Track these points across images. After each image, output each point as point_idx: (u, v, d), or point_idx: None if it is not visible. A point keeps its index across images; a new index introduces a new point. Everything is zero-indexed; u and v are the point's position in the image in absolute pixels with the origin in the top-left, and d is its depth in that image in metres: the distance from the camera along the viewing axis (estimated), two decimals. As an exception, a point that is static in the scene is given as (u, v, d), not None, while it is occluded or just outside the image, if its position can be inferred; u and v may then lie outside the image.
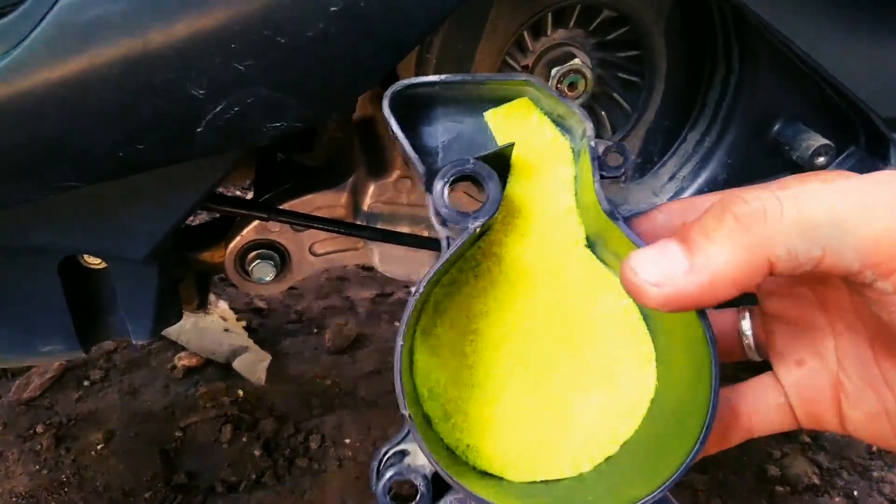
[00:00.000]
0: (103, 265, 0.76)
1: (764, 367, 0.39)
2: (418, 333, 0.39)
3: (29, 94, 0.49)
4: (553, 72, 0.71)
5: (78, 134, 0.52)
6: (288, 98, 0.52)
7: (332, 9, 0.48)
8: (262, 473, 1.22)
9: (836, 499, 1.26)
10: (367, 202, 0.85)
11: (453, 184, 0.35)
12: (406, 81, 0.37)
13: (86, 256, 0.75)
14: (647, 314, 0.38)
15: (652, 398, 0.38)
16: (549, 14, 0.71)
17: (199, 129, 0.53)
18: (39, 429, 1.29)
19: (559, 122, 0.39)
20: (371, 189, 0.84)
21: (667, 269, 0.30)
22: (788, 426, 0.37)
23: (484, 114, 0.40)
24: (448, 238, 0.36)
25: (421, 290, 0.34)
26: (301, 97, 0.53)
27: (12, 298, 0.76)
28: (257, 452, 1.26)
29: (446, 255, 0.35)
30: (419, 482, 0.33)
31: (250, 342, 1.52)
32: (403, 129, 0.37)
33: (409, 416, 0.33)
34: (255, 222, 0.86)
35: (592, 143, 0.36)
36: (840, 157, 0.74)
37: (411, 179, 0.82)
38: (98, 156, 0.53)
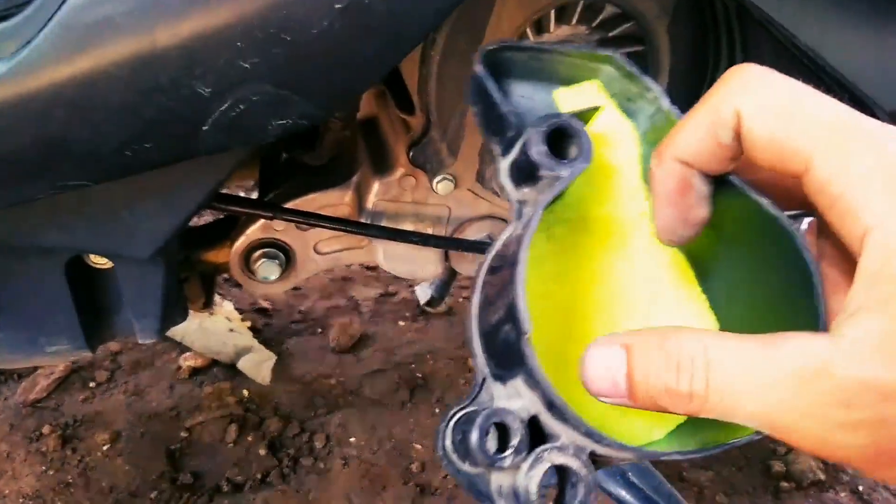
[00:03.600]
0: (109, 265, 0.76)
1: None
2: None
3: (36, 94, 0.50)
4: (556, 69, 0.71)
5: (84, 133, 0.52)
6: (293, 95, 0.53)
7: (337, 6, 0.48)
8: (267, 473, 1.23)
9: (842, 494, 1.26)
10: (371, 200, 0.85)
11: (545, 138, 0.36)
12: (500, 41, 0.39)
13: (92, 256, 0.75)
14: (710, 287, 0.40)
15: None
16: (552, 11, 0.71)
17: (205, 128, 0.53)
18: (46, 430, 1.29)
19: (627, 105, 0.41)
20: (375, 187, 0.84)
21: (608, 386, 0.32)
22: None
23: (553, 92, 0.41)
24: (520, 202, 0.37)
25: (535, 222, 0.34)
26: (306, 94, 0.53)
27: (19, 299, 0.76)
28: (262, 452, 1.26)
29: (546, 200, 0.35)
30: (517, 425, 0.31)
31: (255, 342, 1.52)
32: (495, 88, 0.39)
33: (529, 337, 0.32)
34: (260, 221, 0.86)
35: (675, 111, 0.38)
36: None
37: (415, 177, 0.82)
38: (104, 154, 0.54)
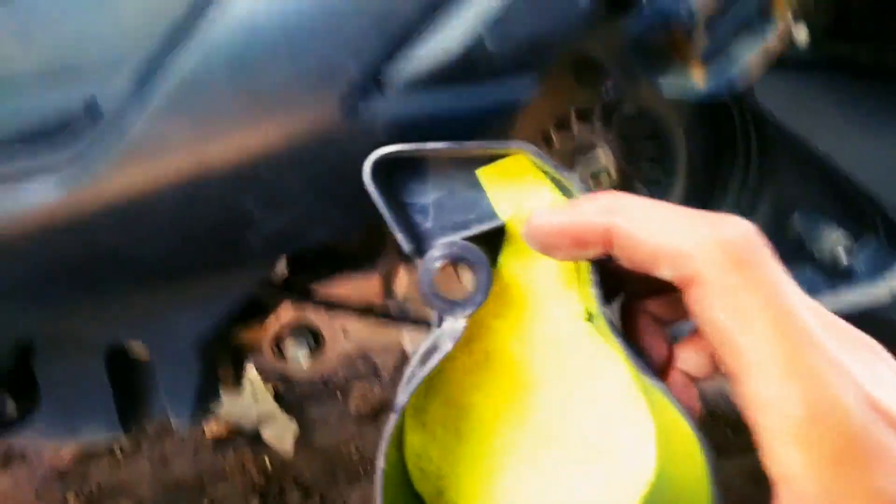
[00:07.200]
0: (148, 353, 0.79)
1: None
2: (408, 412, 0.38)
3: (95, 211, 0.53)
4: (577, 166, 0.74)
5: (136, 245, 0.55)
6: (337, 211, 0.56)
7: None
8: (289, 545, 1.23)
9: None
10: (398, 285, 0.88)
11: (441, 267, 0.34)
12: (388, 149, 0.35)
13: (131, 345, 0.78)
14: (648, 390, 0.36)
15: (653, 475, 0.36)
16: (573, 111, 0.74)
17: (250, 240, 0.56)
18: (71, 498, 1.30)
19: (559, 184, 0.37)
20: (402, 273, 0.87)
21: None
22: None
23: (476, 171, 0.37)
24: (440, 315, 0.34)
25: (404, 402, 0.32)
26: (350, 210, 0.56)
27: (58, 386, 0.78)
28: (284, 524, 1.27)
29: (433, 361, 0.32)
30: None
31: (277, 410, 1.54)
32: (387, 198, 0.35)
33: None
34: (291, 305, 0.89)
35: None
36: (859, 247, 0.76)
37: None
38: (152, 263, 0.57)
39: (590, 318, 0.37)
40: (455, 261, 0.33)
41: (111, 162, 0.51)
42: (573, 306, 0.37)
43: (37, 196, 0.52)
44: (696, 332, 0.35)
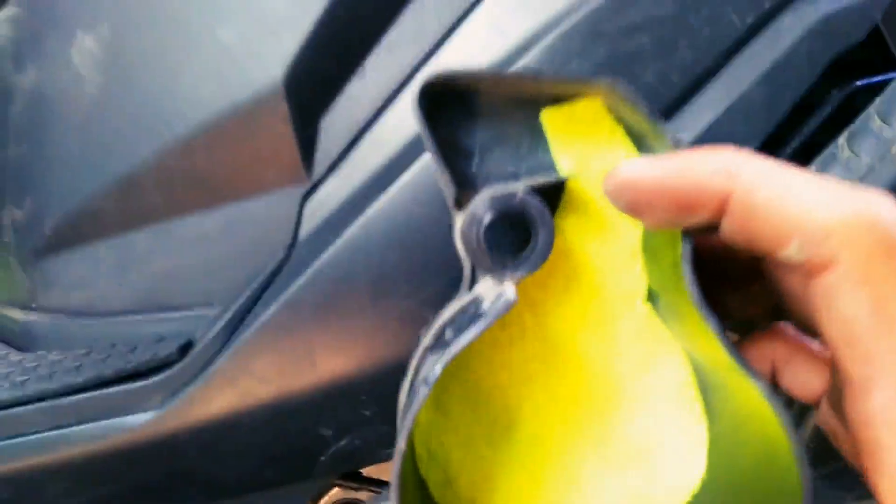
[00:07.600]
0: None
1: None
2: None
3: (178, 437, 0.55)
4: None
5: (215, 467, 0.57)
6: (405, 433, 0.58)
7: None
8: None
9: None
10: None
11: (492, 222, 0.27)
12: (444, 72, 0.29)
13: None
14: (708, 387, 0.31)
15: (697, 488, 0.31)
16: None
17: (321, 459, 0.58)
18: None
19: (637, 138, 0.31)
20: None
21: None
22: None
23: (540, 112, 0.31)
24: (474, 269, 0.29)
25: (438, 374, 0.25)
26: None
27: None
28: None
29: (475, 329, 0.26)
30: None
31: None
32: (433, 130, 0.29)
33: None
34: (340, 486, 0.89)
35: None
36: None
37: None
38: (227, 482, 0.59)
39: (649, 298, 0.32)
40: (512, 213, 0.27)
41: (198, 393, 0.54)
42: (635, 284, 0.31)
43: (126, 424, 0.55)
44: (764, 335, 0.30)
